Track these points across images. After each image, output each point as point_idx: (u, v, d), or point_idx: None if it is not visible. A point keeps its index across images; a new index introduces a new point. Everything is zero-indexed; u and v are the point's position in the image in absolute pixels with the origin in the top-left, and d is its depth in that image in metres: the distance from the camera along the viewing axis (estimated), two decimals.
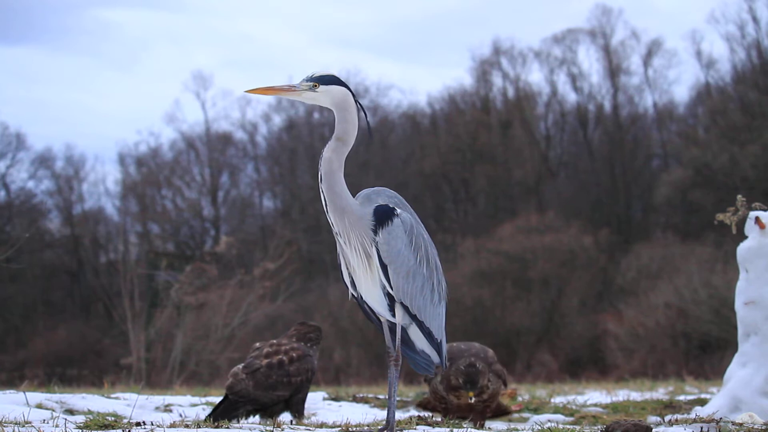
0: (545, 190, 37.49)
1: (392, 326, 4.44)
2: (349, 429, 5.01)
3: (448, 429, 5.10)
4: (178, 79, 48.43)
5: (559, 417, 6.87)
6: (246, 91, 4.31)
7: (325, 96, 4.26)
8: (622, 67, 38.22)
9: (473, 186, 37.83)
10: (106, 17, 53.21)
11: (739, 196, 7.01)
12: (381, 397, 8.13)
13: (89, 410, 6.11)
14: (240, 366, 6.20)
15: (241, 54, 54.25)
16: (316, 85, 4.26)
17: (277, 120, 41.12)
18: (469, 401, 5.96)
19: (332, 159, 4.20)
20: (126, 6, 54.47)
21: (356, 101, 4.29)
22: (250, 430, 4.82)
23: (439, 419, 5.88)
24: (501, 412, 6.34)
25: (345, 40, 54.69)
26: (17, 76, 51.83)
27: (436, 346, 4.56)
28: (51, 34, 53.43)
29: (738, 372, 6.72)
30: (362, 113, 4.35)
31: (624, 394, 9.27)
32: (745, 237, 6.98)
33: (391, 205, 4.30)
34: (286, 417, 6.26)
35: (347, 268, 4.33)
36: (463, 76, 55.11)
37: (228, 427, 4.85)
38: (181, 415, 6.31)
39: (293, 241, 25.09)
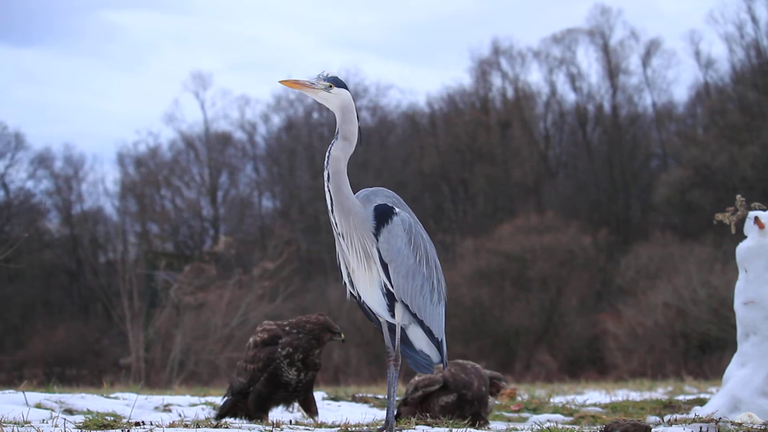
0: (544, 190, 37.48)
1: (392, 326, 4.43)
2: (348, 429, 5.01)
3: (447, 429, 5.09)
4: (178, 79, 48.43)
5: (558, 417, 6.88)
6: (279, 82, 4.34)
7: (336, 98, 4.30)
8: (621, 67, 38.26)
9: (472, 186, 37.83)
10: (111, 19, 53.27)
11: (738, 196, 7.00)
12: (380, 396, 8.13)
13: (88, 410, 6.10)
14: None
15: (243, 55, 54.37)
16: (331, 86, 4.30)
17: (276, 120, 41.20)
18: None
19: (340, 158, 4.22)
20: (132, 8, 54.52)
21: None
22: (249, 429, 4.82)
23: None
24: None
25: (344, 40, 54.78)
26: (18, 76, 51.93)
27: (437, 345, 4.56)
28: (54, 36, 53.57)
29: (737, 372, 6.72)
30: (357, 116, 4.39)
31: (623, 394, 9.28)
32: (744, 237, 6.98)
33: (389, 204, 4.30)
34: (285, 417, 6.24)
35: (347, 268, 4.33)
36: (463, 76, 54.98)
37: (228, 427, 4.85)
38: (180, 415, 6.31)
39: (292, 241, 25.08)
